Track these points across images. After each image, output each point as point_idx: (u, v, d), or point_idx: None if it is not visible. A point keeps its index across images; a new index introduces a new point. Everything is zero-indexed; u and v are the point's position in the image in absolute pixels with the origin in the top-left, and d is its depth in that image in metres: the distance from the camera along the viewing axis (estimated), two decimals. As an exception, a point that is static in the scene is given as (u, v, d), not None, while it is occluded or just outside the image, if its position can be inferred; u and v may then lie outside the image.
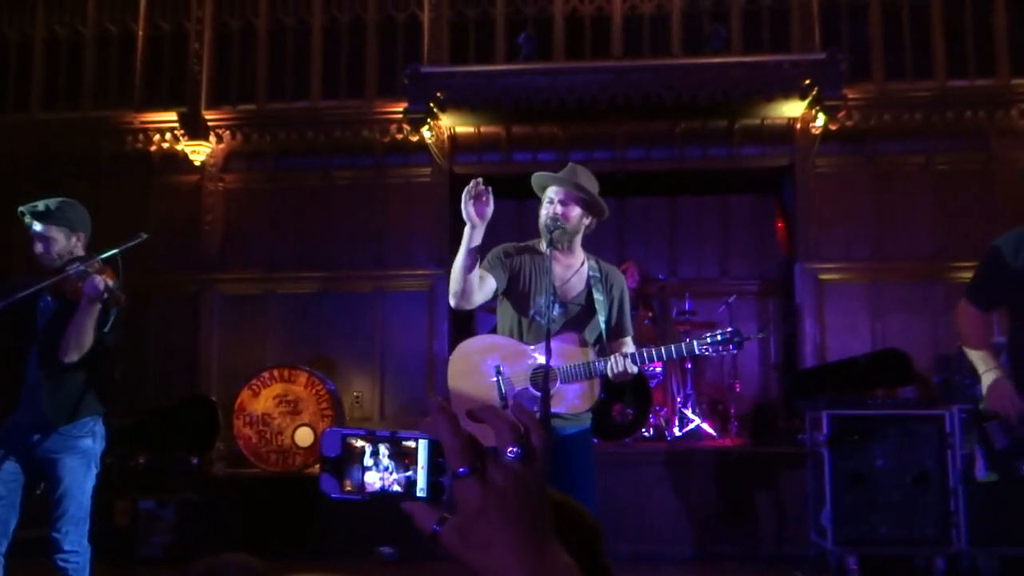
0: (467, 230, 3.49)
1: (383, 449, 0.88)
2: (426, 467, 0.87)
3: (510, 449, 0.84)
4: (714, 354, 3.62)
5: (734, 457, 6.47)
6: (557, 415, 3.56)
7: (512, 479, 0.83)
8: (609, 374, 3.52)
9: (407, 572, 5.95)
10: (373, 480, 0.88)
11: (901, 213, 7.62)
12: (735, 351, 3.62)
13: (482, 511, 0.82)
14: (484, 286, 3.64)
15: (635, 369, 3.52)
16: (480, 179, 3.47)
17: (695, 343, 3.55)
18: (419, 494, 0.87)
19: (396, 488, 0.88)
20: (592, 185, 3.79)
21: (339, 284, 7.92)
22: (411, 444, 0.88)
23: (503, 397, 3.62)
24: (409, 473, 0.88)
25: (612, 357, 3.51)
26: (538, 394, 3.54)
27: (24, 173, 7.83)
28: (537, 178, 3.87)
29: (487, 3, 7.98)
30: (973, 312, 3.67)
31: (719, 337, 3.55)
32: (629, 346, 3.77)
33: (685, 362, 7.55)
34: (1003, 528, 5.34)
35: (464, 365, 3.78)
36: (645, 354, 3.58)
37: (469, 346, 3.85)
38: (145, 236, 3.90)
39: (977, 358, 3.59)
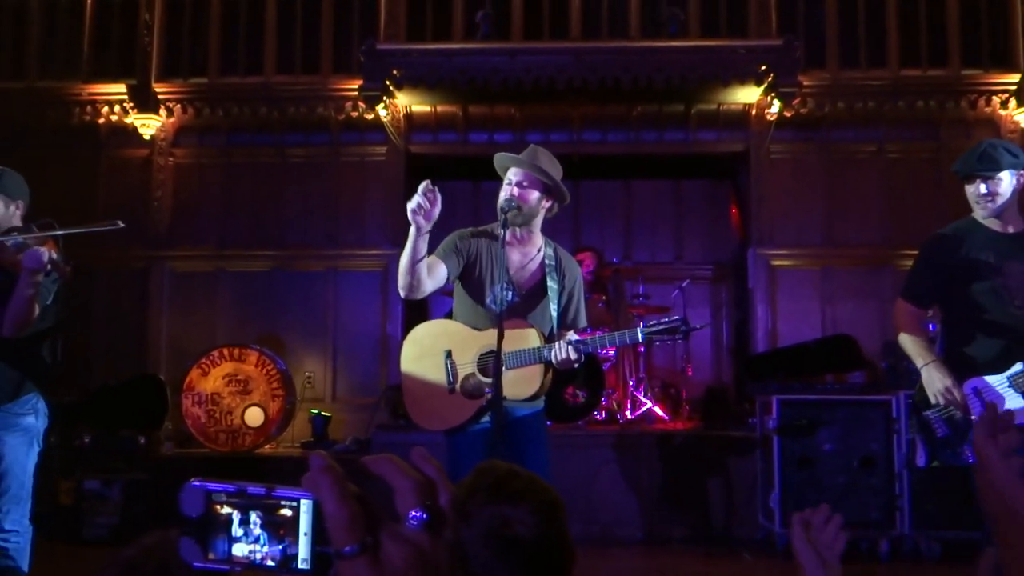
0: (412, 232, 3.37)
1: (254, 515, 0.74)
2: (309, 534, 0.72)
3: (413, 514, 0.69)
4: (658, 343, 3.60)
5: (685, 440, 6.52)
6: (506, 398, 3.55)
7: (413, 557, 0.67)
8: (553, 361, 3.49)
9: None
10: (242, 552, 0.74)
11: (852, 201, 7.72)
12: (681, 340, 3.60)
13: None
14: (435, 275, 3.57)
15: (575, 356, 3.47)
16: (430, 180, 3.38)
17: (639, 331, 3.51)
18: (301, 566, 0.73)
19: (269, 563, 0.74)
20: (554, 169, 3.74)
21: (291, 263, 7.83)
22: (290, 507, 0.73)
23: (450, 382, 3.61)
24: (284, 544, 0.73)
25: (556, 344, 3.48)
26: (485, 379, 3.53)
27: (-35, 144, 7.60)
28: (499, 159, 3.80)
29: (445, -20, 7.90)
30: (912, 310, 3.74)
31: (662, 326, 3.50)
32: (574, 336, 3.73)
33: (638, 345, 7.58)
34: (945, 512, 5.46)
35: (416, 349, 3.75)
36: (589, 342, 3.55)
37: (422, 330, 3.82)
38: (121, 224, 3.76)
39: (914, 350, 3.65)
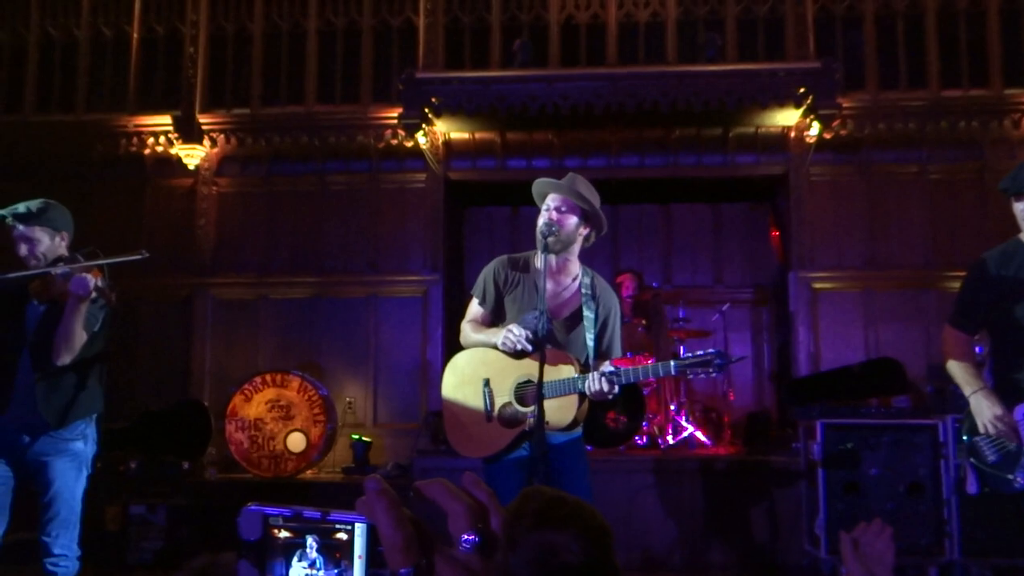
0: (493, 341, 3.63)
1: (310, 539, 0.76)
2: (364, 557, 0.74)
3: (465, 537, 0.71)
4: (692, 375, 3.54)
5: (727, 465, 6.45)
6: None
7: None
8: (587, 392, 3.48)
9: None
10: (298, 574, 0.76)
11: (894, 222, 7.64)
12: (715, 375, 3.52)
13: None
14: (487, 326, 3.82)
15: (607, 387, 3.44)
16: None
17: (672, 364, 3.46)
18: None
19: None
20: (592, 196, 3.77)
21: (333, 289, 7.90)
22: (345, 531, 0.75)
23: (488, 410, 3.63)
24: (339, 568, 0.75)
25: (590, 375, 3.46)
26: (522, 409, 3.54)
27: (16, 176, 7.78)
28: (537, 185, 3.84)
29: (483, 9, 7.98)
30: (960, 336, 3.68)
31: (695, 359, 3.44)
32: (608, 367, 3.70)
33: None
34: (996, 538, 5.35)
35: (456, 377, 3.79)
36: (622, 373, 3.49)
37: (462, 358, 3.84)
38: (146, 254, 3.88)
39: (962, 377, 3.59)
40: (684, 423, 7.26)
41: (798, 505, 6.07)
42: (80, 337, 3.71)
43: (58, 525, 3.72)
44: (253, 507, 0.79)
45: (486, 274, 3.83)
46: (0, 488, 3.74)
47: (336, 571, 0.75)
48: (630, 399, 6.75)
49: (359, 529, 0.75)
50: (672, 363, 3.48)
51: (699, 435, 7.20)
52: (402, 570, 0.70)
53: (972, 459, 3.54)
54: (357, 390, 7.76)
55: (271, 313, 7.93)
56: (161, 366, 7.86)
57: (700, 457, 6.66)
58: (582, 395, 3.55)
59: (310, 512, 0.77)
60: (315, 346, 7.80)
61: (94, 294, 3.58)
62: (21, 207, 3.87)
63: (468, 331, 3.82)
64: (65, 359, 3.71)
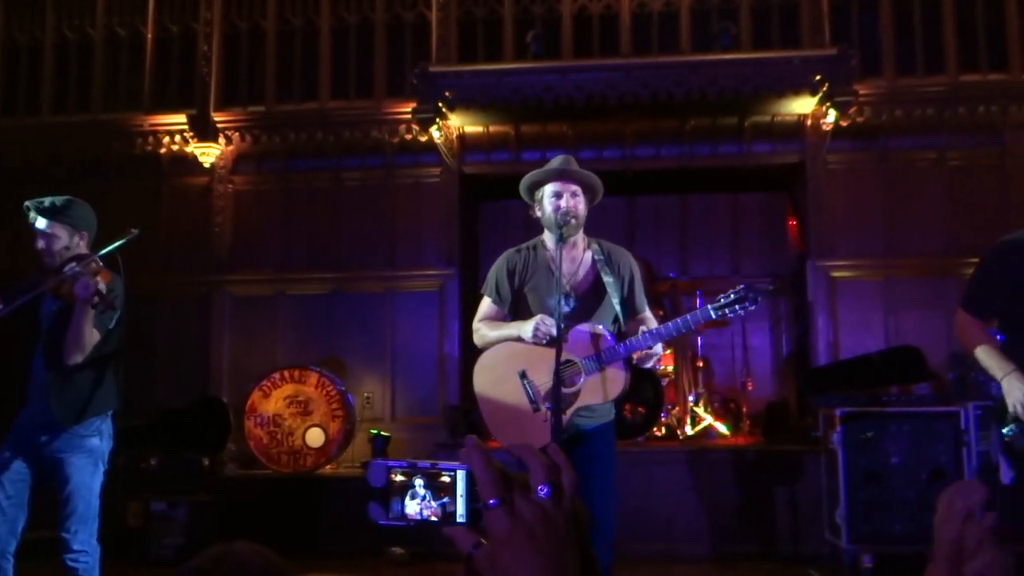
0: (515, 334, 3.64)
1: (422, 481, 0.96)
2: (464, 495, 0.94)
3: (541, 487, 0.89)
4: (731, 315, 3.56)
5: (747, 455, 6.43)
6: (588, 407, 3.58)
7: (539, 514, 0.88)
8: (633, 358, 3.51)
9: (417, 573, 5.94)
10: (414, 510, 0.96)
11: (914, 209, 7.56)
12: (752, 308, 3.54)
13: (509, 541, 0.87)
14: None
15: (653, 346, 3.48)
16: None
17: (710, 309, 3.50)
18: (459, 519, 0.94)
19: (433, 517, 0.96)
20: (585, 172, 3.84)
21: (349, 285, 7.91)
22: (449, 475, 0.95)
23: (532, 401, 3.60)
24: (446, 502, 0.95)
25: (632, 339, 3.49)
26: (568, 390, 3.52)
27: (34, 176, 7.83)
28: (532, 177, 3.83)
29: (495, 2, 7.96)
30: (975, 322, 3.56)
31: (732, 298, 3.50)
32: (650, 322, 3.72)
33: (696, 360, 7.53)
34: (1021, 526, 5.28)
35: (490, 375, 3.75)
36: (663, 331, 3.50)
37: (490, 356, 3.79)
38: (136, 232, 3.90)
39: (990, 361, 3.44)
40: (702, 413, 7.23)
41: (819, 494, 6.04)
42: (91, 338, 3.70)
43: (76, 521, 3.73)
44: (379, 461, 0.98)
45: (498, 270, 3.82)
46: (19, 485, 3.76)
47: (443, 505, 0.95)
48: (648, 390, 6.73)
49: (460, 474, 0.95)
50: (710, 307, 3.52)
51: (718, 425, 7.17)
52: (491, 501, 0.88)
53: (1004, 451, 3.45)
54: (375, 385, 7.77)
55: (288, 309, 7.95)
56: (180, 363, 7.90)
57: (719, 448, 6.64)
58: (628, 362, 3.55)
59: (423, 463, 0.97)
60: (332, 342, 7.81)
61: (95, 299, 3.56)
62: (46, 201, 3.88)
63: (485, 330, 3.79)
64: (77, 359, 3.71)
